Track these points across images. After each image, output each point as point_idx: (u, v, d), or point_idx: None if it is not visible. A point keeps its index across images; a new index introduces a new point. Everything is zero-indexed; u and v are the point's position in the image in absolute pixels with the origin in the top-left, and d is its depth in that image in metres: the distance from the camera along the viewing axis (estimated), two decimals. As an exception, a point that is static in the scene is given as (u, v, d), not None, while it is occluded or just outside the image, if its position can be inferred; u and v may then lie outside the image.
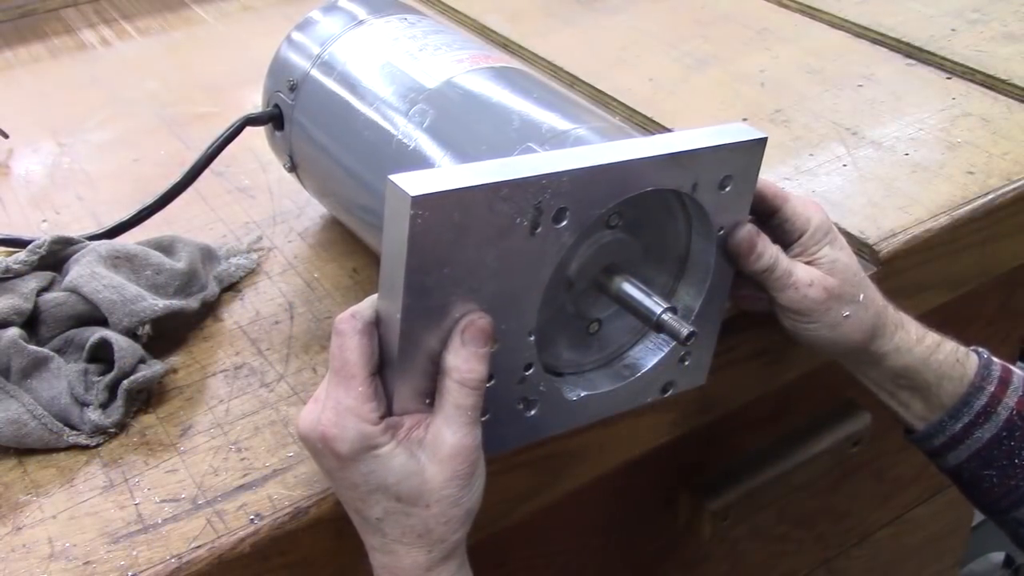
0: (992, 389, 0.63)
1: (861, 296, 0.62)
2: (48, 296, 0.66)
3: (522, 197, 0.49)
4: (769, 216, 0.62)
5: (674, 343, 0.60)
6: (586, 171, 0.50)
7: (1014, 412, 0.63)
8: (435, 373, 0.51)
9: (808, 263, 0.61)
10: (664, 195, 0.56)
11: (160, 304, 0.66)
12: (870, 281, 0.64)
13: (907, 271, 0.78)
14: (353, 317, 0.50)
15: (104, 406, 0.61)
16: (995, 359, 0.66)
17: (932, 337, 0.65)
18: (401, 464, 0.49)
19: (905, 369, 0.64)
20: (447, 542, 0.50)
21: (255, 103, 0.77)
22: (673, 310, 0.55)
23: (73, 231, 0.73)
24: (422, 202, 0.45)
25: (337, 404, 0.49)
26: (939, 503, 1.13)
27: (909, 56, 1.00)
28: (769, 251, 0.60)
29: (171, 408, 0.63)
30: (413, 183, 0.46)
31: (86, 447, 0.60)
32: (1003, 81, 0.94)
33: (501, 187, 0.48)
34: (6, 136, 0.93)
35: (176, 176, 0.75)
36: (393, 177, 0.46)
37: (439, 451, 0.49)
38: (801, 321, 0.62)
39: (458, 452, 0.49)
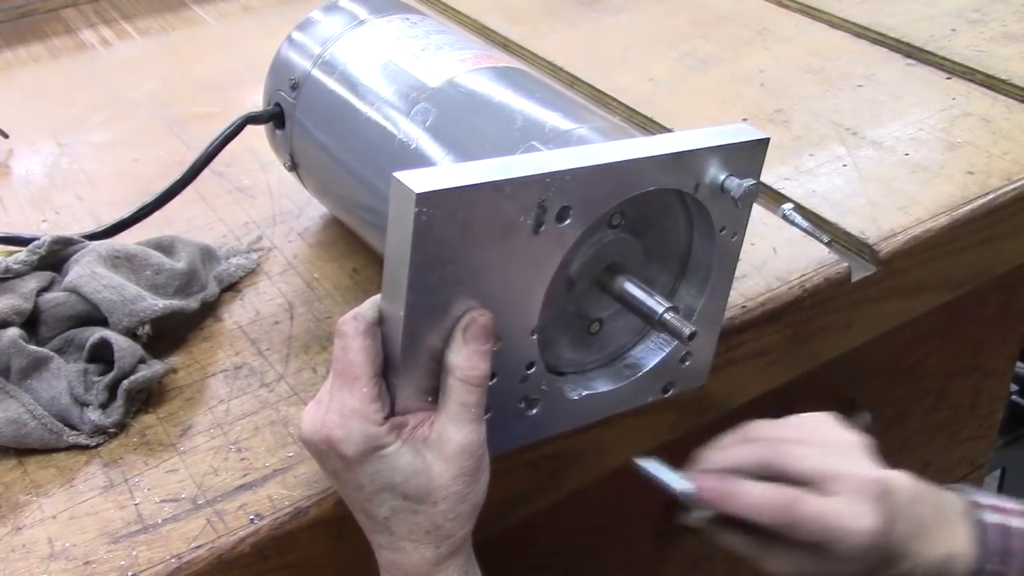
0: (995, 568, 0.59)
1: None
2: (48, 296, 0.65)
3: (526, 195, 0.49)
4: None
5: (675, 343, 0.60)
6: (589, 170, 0.50)
7: None
8: (438, 371, 0.51)
9: None
10: (666, 195, 0.56)
11: (160, 304, 0.66)
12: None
13: (907, 271, 0.78)
14: (355, 319, 0.50)
15: (104, 406, 0.61)
16: (988, 520, 0.60)
17: (936, 548, 0.58)
18: (407, 463, 0.49)
19: None
20: (454, 537, 0.51)
21: (255, 103, 0.77)
22: (675, 310, 0.56)
23: (73, 231, 0.73)
24: (427, 199, 0.45)
25: (342, 406, 0.49)
26: (939, 504, 1.13)
27: (909, 56, 1.00)
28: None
29: (171, 408, 0.63)
30: (418, 180, 0.46)
31: (86, 447, 0.60)
32: (1003, 81, 0.94)
33: (505, 185, 0.48)
34: (6, 136, 0.93)
35: (176, 176, 0.75)
36: (398, 174, 0.46)
37: (445, 449, 0.49)
38: None
39: (464, 449, 0.49)
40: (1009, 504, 0.61)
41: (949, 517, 0.60)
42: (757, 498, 0.54)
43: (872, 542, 0.54)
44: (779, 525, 0.54)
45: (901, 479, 0.59)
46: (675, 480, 0.56)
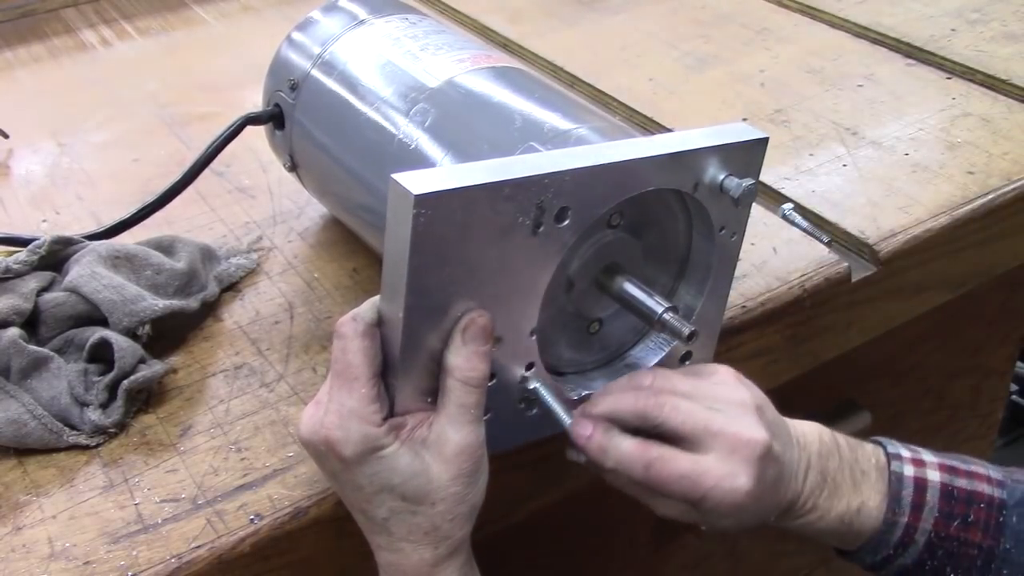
0: (906, 520, 0.59)
1: None
2: (48, 296, 0.66)
3: (524, 196, 0.49)
4: None
5: (675, 342, 0.60)
6: (588, 170, 0.50)
7: (932, 535, 0.59)
8: (437, 372, 0.51)
9: None
10: (665, 195, 0.56)
11: (160, 304, 0.66)
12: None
13: (907, 271, 0.78)
14: (354, 320, 0.50)
15: (104, 406, 0.61)
16: (906, 473, 0.60)
17: (845, 502, 0.59)
18: (406, 464, 0.49)
19: (816, 535, 0.60)
20: (453, 538, 0.51)
21: (255, 103, 0.77)
22: (674, 310, 0.56)
23: (73, 231, 0.73)
24: (425, 201, 0.45)
25: (340, 407, 0.49)
26: (939, 503, 1.13)
27: (909, 56, 1.00)
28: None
29: (171, 408, 0.63)
30: (416, 182, 0.46)
31: (86, 447, 0.60)
32: (1003, 81, 0.94)
33: (504, 186, 0.48)
34: (6, 136, 0.93)
35: (176, 176, 0.75)
36: (396, 176, 0.46)
37: (444, 450, 0.50)
38: None
39: (463, 450, 0.50)
40: (928, 457, 0.61)
41: (866, 471, 0.60)
42: (624, 454, 0.53)
43: (743, 502, 0.53)
44: (645, 481, 0.54)
45: (812, 433, 0.59)
46: (565, 417, 0.55)
